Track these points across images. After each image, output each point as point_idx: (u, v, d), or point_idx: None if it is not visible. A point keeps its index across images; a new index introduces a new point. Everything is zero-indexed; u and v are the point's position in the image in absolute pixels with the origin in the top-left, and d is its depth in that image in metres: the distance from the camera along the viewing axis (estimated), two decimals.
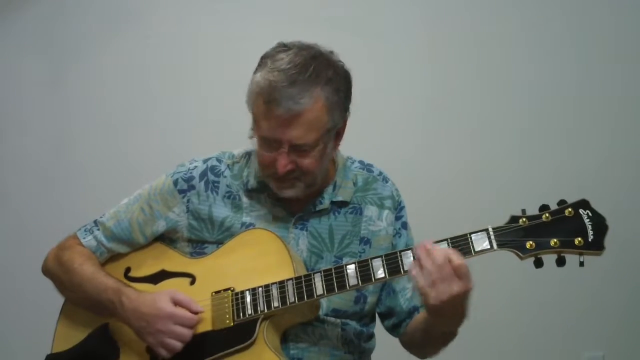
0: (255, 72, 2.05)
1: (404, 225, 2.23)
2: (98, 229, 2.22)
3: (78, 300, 2.20)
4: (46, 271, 2.26)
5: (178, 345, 2.03)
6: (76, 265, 2.17)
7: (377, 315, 2.25)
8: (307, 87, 1.99)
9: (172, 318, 2.03)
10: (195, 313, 2.05)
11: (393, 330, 2.23)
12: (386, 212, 2.20)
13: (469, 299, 1.90)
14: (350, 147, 2.20)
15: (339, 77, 2.05)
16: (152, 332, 2.04)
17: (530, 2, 3.65)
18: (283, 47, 2.06)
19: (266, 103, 1.99)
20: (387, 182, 2.24)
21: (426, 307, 1.93)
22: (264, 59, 2.06)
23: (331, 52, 2.08)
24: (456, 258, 1.86)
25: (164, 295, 2.06)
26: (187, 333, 2.03)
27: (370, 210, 2.19)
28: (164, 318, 2.03)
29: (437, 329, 2.02)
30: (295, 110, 1.97)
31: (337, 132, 2.10)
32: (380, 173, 2.25)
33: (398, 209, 2.23)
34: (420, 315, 2.16)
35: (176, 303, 2.05)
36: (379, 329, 2.26)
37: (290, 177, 2.06)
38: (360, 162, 2.26)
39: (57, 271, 2.22)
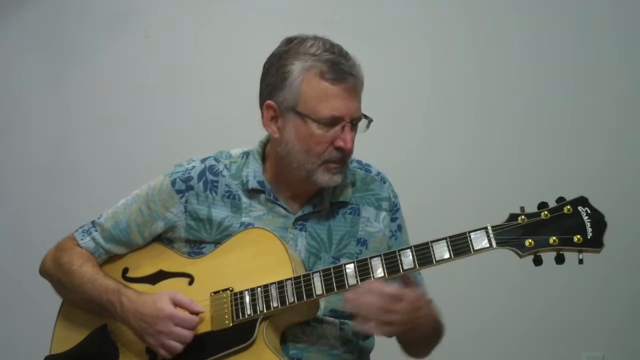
0: (287, 66, 2.04)
1: (399, 228, 2.23)
2: (96, 230, 2.21)
3: (77, 301, 2.20)
4: (44, 272, 2.26)
5: (178, 346, 2.02)
6: (75, 267, 2.17)
7: None
8: (351, 58, 2.05)
9: (173, 319, 2.02)
10: (196, 314, 2.05)
11: None
12: (383, 213, 2.20)
13: (421, 308, 1.97)
14: None
15: None
16: (153, 333, 2.04)
17: (530, 2, 3.65)
18: (299, 38, 2.08)
19: (332, 80, 2.01)
20: (384, 182, 2.24)
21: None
22: (288, 52, 2.05)
23: None
24: (384, 287, 1.92)
25: (164, 296, 2.06)
26: (187, 334, 2.03)
27: (368, 212, 2.19)
28: (164, 319, 2.03)
29: (413, 339, 2.08)
30: (360, 78, 2.05)
31: None
32: (379, 173, 2.25)
33: (394, 210, 2.22)
34: None
35: (176, 304, 2.05)
36: None
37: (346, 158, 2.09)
38: (358, 161, 2.25)
39: (56, 272, 2.21)
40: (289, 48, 2.07)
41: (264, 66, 2.12)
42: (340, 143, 2.04)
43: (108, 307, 2.11)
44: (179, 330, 2.02)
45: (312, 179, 2.07)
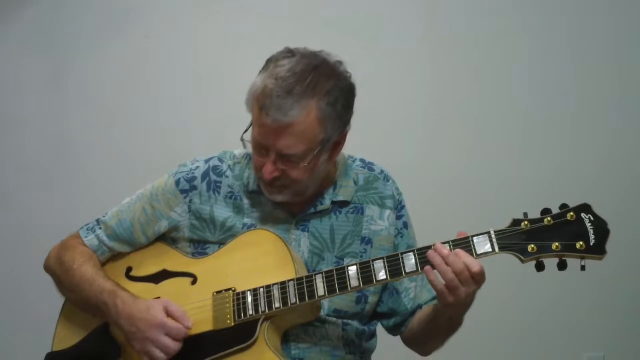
0: (259, 74, 2.04)
1: (405, 225, 2.22)
2: (100, 228, 2.21)
3: (75, 300, 2.20)
4: (47, 268, 2.26)
5: (162, 356, 2.02)
6: (76, 266, 2.17)
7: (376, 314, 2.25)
8: (300, 98, 1.97)
9: (163, 327, 2.02)
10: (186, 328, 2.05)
11: (394, 329, 2.23)
12: (387, 211, 2.20)
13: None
14: (351, 148, 2.20)
15: (339, 90, 2.02)
16: (140, 339, 2.03)
17: (530, 2, 3.65)
18: (288, 52, 2.04)
19: (259, 109, 2.00)
20: (388, 180, 2.24)
21: (440, 301, 1.97)
22: (268, 62, 2.05)
23: (339, 62, 2.06)
24: (474, 265, 1.91)
25: (157, 303, 2.06)
26: (173, 346, 2.02)
27: (372, 210, 2.19)
28: (154, 327, 2.02)
29: (446, 316, 2.05)
30: (282, 121, 1.97)
31: (334, 144, 2.08)
32: (382, 171, 2.25)
33: (399, 208, 2.22)
34: (424, 310, 2.17)
35: (168, 314, 2.05)
36: (379, 328, 2.26)
37: (277, 184, 2.06)
38: (361, 160, 2.25)
39: (57, 270, 2.22)
40: (269, 58, 2.06)
41: None
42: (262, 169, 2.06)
43: (102, 308, 2.10)
44: (165, 340, 2.02)
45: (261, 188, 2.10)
